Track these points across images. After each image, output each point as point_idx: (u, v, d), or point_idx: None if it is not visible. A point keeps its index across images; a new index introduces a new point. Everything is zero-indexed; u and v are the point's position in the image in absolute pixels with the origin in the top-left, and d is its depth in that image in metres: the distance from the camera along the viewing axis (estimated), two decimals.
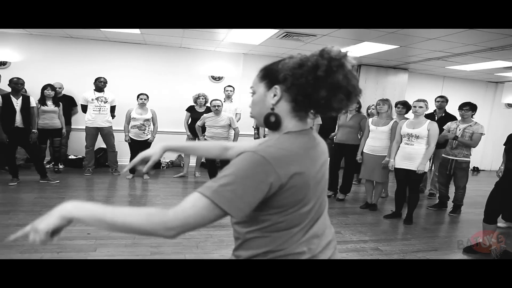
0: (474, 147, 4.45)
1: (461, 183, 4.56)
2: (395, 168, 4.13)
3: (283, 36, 4.96)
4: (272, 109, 0.96)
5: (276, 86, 0.94)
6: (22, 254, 2.74)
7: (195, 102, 5.69)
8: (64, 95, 5.80)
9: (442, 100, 5.34)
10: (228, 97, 6.00)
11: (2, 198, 4.07)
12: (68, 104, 5.75)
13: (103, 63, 6.09)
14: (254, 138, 5.89)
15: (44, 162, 5.20)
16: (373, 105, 5.22)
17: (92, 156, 5.57)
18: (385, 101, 4.47)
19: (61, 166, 5.61)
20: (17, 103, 4.52)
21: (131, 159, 5.29)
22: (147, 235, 0.82)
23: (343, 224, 3.99)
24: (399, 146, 4.11)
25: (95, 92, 5.42)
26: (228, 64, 6.71)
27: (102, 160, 5.97)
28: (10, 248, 2.80)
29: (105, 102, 5.43)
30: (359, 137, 4.83)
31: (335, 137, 5.11)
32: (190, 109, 5.71)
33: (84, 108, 5.47)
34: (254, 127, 6.26)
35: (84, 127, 5.45)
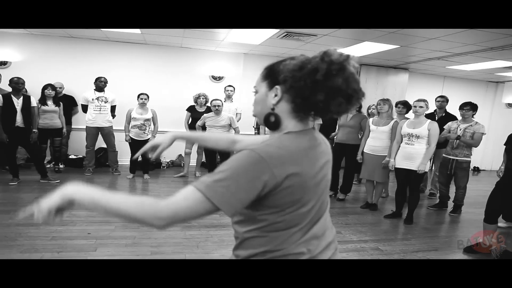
0: (476, 147, 4.45)
1: (462, 183, 4.55)
2: (395, 168, 4.13)
3: (284, 36, 4.96)
4: (273, 109, 0.97)
5: (277, 86, 0.95)
6: (22, 254, 2.74)
7: (196, 102, 5.70)
8: (64, 94, 5.81)
9: (443, 100, 5.34)
10: (229, 97, 6.00)
11: (2, 198, 4.07)
12: (68, 104, 5.76)
13: (103, 63, 6.09)
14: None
15: (45, 162, 5.21)
16: (373, 105, 5.22)
17: (92, 156, 5.57)
18: (386, 101, 4.46)
19: (61, 166, 5.62)
20: (18, 103, 4.53)
21: (131, 159, 5.33)
22: (138, 223, 0.84)
23: (343, 224, 3.99)
24: (399, 146, 4.11)
25: (96, 92, 5.42)
26: (229, 64, 6.71)
27: (102, 160, 5.97)
28: (10, 248, 2.80)
29: (105, 102, 5.43)
30: (360, 137, 4.84)
31: (335, 137, 5.12)
32: (191, 109, 5.72)
33: (85, 108, 5.48)
34: (255, 126, 6.26)
35: (85, 127, 5.45)
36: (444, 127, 4.57)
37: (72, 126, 6.01)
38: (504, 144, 3.65)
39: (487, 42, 4.45)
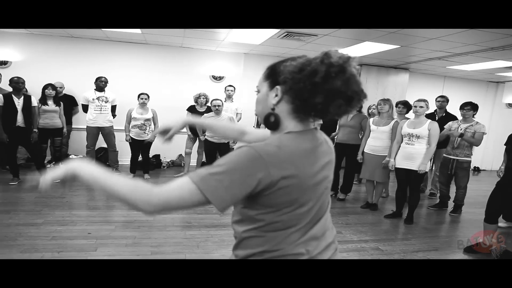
0: (477, 146, 4.45)
1: (462, 182, 4.55)
2: (396, 168, 4.13)
3: (284, 36, 4.96)
4: (273, 109, 0.97)
5: (278, 86, 0.95)
6: (23, 253, 2.74)
7: (196, 101, 5.69)
8: (65, 94, 5.81)
9: (443, 100, 5.34)
10: (229, 96, 6.00)
11: (2, 198, 4.08)
12: (69, 104, 5.76)
13: (104, 63, 6.09)
14: None
15: (45, 162, 5.21)
16: (374, 105, 5.22)
17: (93, 156, 5.57)
18: (386, 101, 4.46)
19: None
20: (18, 102, 4.53)
21: (131, 158, 5.34)
22: (129, 206, 0.85)
23: (343, 224, 3.99)
24: (399, 146, 4.11)
25: (96, 91, 5.42)
26: (229, 63, 6.71)
27: (103, 160, 5.97)
28: (10, 248, 2.81)
29: (106, 102, 5.44)
30: (360, 137, 4.84)
31: (336, 137, 5.12)
32: (191, 109, 5.72)
33: (85, 108, 5.48)
34: (255, 126, 6.26)
35: (85, 127, 5.46)
36: (444, 126, 4.57)
37: (73, 126, 6.02)
38: (505, 144, 3.65)
39: (487, 42, 4.44)
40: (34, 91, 5.25)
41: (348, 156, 4.79)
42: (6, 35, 5.68)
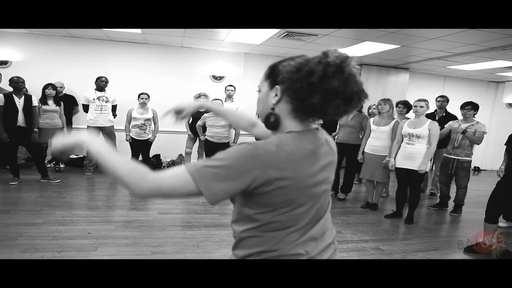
0: (478, 144, 4.45)
1: (463, 182, 4.55)
2: (396, 168, 4.13)
3: (284, 36, 4.96)
4: (273, 108, 0.97)
5: (277, 86, 0.94)
6: (23, 253, 2.74)
7: None
8: (65, 94, 5.81)
9: (443, 100, 5.34)
10: (229, 96, 6.00)
11: (3, 198, 4.08)
12: (69, 104, 5.76)
13: (104, 63, 6.09)
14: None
15: (45, 162, 5.21)
16: (374, 104, 5.22)
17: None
18: (387, 101, 4.46)
19: (62, 166, 5.63)
20: (19, 102, 4.54)
21: (131, 158, 5.33)
22: (123, 186, 0.86)
23: (344, 224, 3.99)
24: (400, 146, 4.11)
25: (96, 91, 5.42)
26: (229, 63, 6.71)
27: None
28: (10, 248, 2.81)
29: (106, 102, 5.44)
30: (361, 137, 4.84)
31: (336, 137, 5.12)
32: None
33: (86, 108, 5.48)
34: None
35: (86, 127, 5.46)
36: (445, 126, 4.58)
37: (73, 126, 6.01)
38: (505, 144, 3.65)
39: (487, 42, 4.45)
40: (34, 91, 5.25)
41: (349, 156, 4.79)
42: (6, 35, 5.68)
